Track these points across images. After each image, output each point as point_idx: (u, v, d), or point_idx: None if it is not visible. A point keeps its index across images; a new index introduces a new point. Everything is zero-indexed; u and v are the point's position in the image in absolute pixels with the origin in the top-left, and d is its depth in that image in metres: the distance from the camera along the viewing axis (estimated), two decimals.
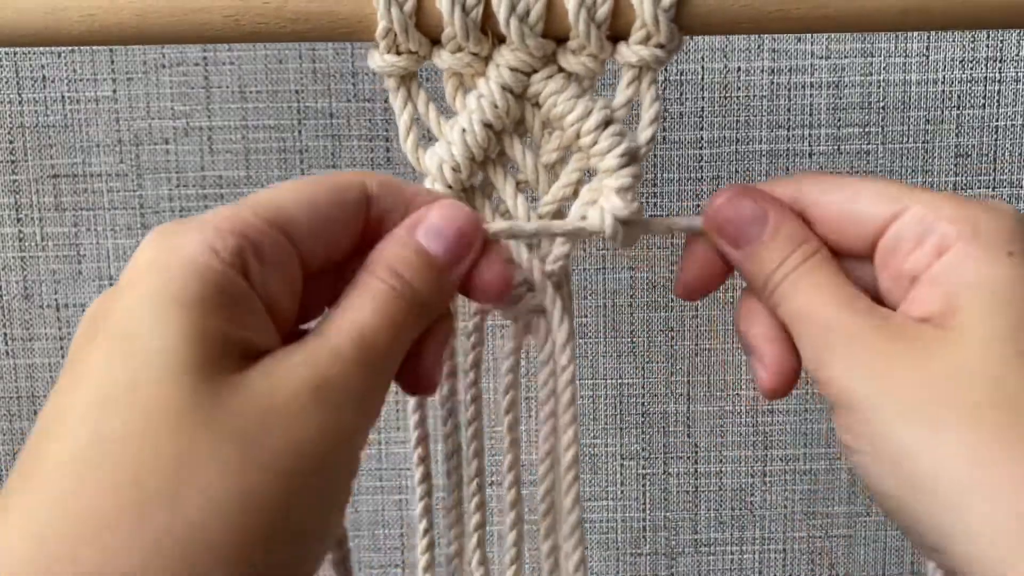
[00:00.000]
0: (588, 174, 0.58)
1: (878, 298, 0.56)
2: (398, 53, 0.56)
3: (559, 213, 0.59)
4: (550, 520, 0.60)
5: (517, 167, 0.59)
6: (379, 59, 0.56)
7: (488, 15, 0.54)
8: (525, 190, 0.59)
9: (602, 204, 0.57)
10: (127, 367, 0.46)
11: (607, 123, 0.56)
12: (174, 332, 0.46)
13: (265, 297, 0.50)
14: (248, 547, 0.45)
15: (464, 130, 0.56)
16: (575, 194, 0.59)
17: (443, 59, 0.56)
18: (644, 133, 0.57)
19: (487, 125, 0.56)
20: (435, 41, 0.56)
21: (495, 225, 0.57)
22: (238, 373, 0.47)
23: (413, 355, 0.55)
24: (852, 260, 0.57)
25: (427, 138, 0.58)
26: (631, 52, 0.56)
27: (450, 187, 0.57)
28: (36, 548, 0.43)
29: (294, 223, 0.52)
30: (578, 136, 0.56)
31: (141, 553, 0.43)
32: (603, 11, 0.54)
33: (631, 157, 0.56)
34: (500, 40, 0.56)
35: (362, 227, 0.54)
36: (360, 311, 0.51)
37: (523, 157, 0.58)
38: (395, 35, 0.54)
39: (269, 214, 0.51)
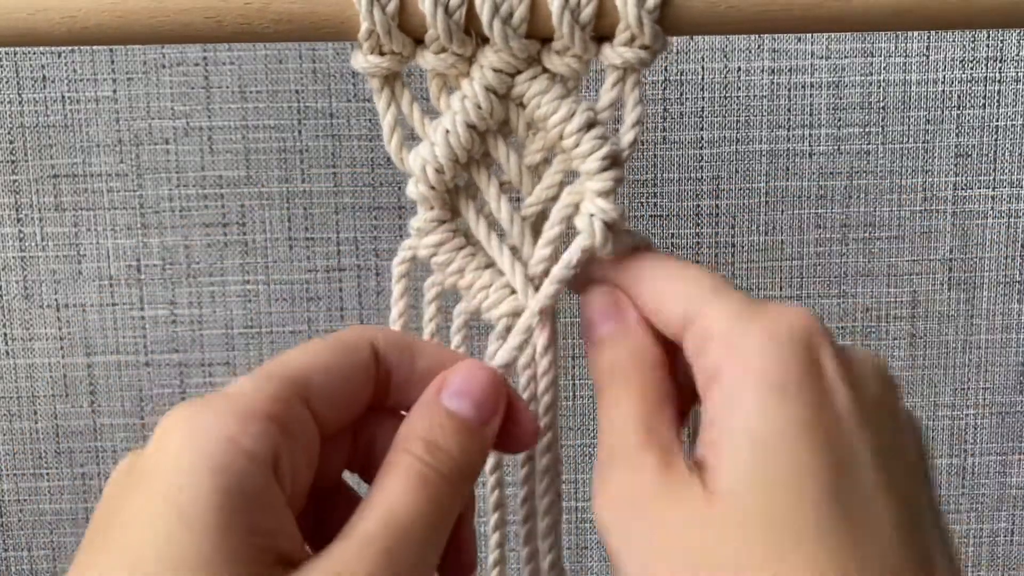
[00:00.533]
0: (571, 176, 0.58)
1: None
2: (381, 54, 0.55)
3: (542, 215, 0.58)
4: (531, 523, 0.60)
5: (501, 168, 0.58)
6: (362, 60, 0.56)
7: (471, 16, 0.54)
8: (509, 191, 0.59)
9: (589, 209, 0.56)
10: None
11: (590, 125, 0.56)
12: (191, 557, 0.44)
13: (288, 478, 0.48)
14: None
15: (448, 131, 0.56)
16: (557, 196, 0.58)
17: (427, 60, 0.56)
18: (627, 136, 0.57)
19: (471, 126, 0.56)
20: (419, 41, 0.56)
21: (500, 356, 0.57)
22: None
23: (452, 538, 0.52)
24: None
25: (413, 139, 0.58)
26: (615, 54, 0.55)
27: (433, 188, 0.57)
28: None
29: (314, 392, 0.50)
30: (561, 137, 0.56)
31: None
32: (587, 12, 0.54)
33: (613, 160, 0.56)
34: (484, 41, 0.55)
35: (373, 385, 0.53)
36: (390, 492, 0.48)
37: (507, 158, 0.58)
38: (378, 36, 0.54)
39: (294, 386, 0.49)
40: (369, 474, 0.54)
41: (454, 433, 0.51)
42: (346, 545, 0.46)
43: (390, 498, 0.48)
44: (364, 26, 0.54)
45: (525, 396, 0.59)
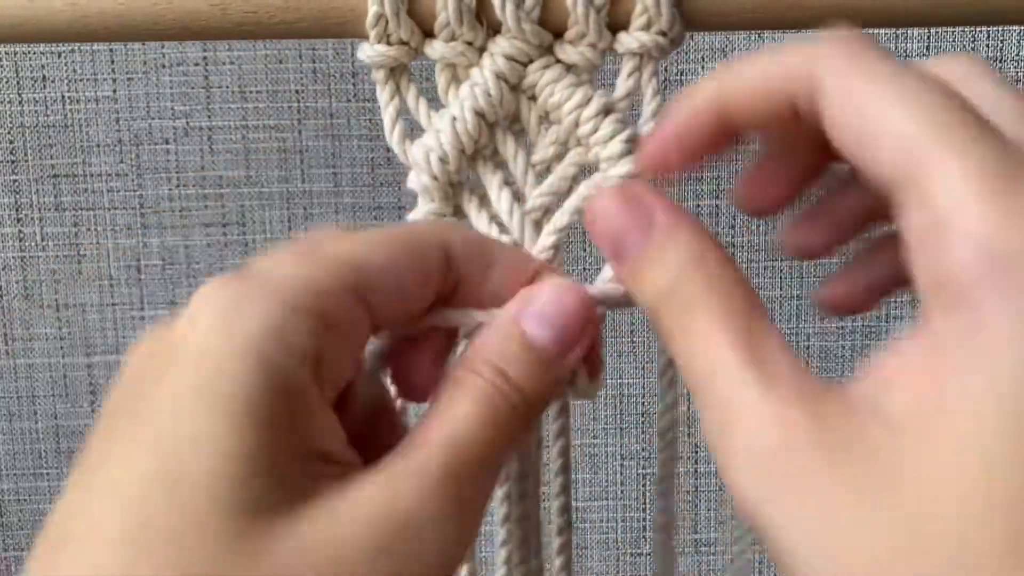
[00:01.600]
0: (585, 172, 0.58)
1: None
2: (389, 43, 0.55)
3: (546, 213, 0.57)
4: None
5: (508, 167, 0.58)
6: (369, 49, 0.55)
7: (483, 2, 0.54)
8: (513, 190, 0.58)
9: None
10: (161, 491, 0.39)
11: (608, 111, 0.56)
12: (221, 456, 0.39)
13: (329, 380, 0.43)
14: None
15: (455, 118, 0.56)
16: (569, 191, 0.58)
17: (435, 49, 0.55)
18: (647, 126, 0.56)
19: (479, 114, 0.56)
20: (428, 33, 0.55)
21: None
22: (297, 508, 0.39)
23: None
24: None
25: (413, 134, 0.58)
26: (632, 39, 0.55)
27: (435, 178, 0.56)
28: None
29: (373, 288, 0.44)
30: (577, 125, 0.55)
31: None
32: None
33: (636, 144, 0.55)
34: (495, 31, 0.55)
35: (439, 287, 0.47)
36: (457, 416, 0.43)
37: (514, 156, 0.57)
38: (386, 22, 0.54)
39: (348, 277, 0.43)
40: (409, 376, 0.49)
41: (529, 364, 0.45)
42: (406, 465, 0.42)
43: (456, 421, 0.43)
44: (372, 10, 0.53)
45: None
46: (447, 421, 0.43)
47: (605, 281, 0.52)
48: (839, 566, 0.35)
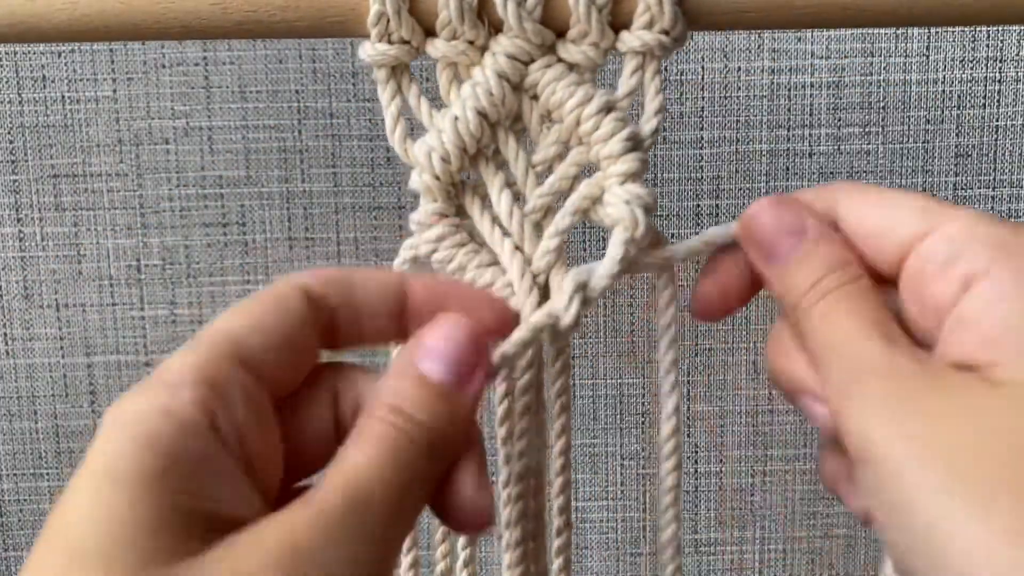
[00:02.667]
0: (586, 171, 0.57)
1: (904, 330, 0.50)
2: (390, 42, 0.55)
3: (547, 214, 0.57)
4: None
5: (509, 168, 0.57)
6: (370, 48, 0.55)
7: (485, 2, 0.54)
8: (514, 191, 0.58)
9: (622, 196, 0.55)
10: (70, 559, 0.41)
11: (609, 109, 0.55)
12: (111, 521, 0.41)
13: (242, 445, 0.45)
14: None
15: (456, 117, 0.55)
16: (570, 191, 0.57)
17: (437, 48, 0.55)
18: (648, 124, 0.56)
19: (481, 113, 0.55)
20: (429, 32, 0.55)
21: (509, 343, 0.53)
22: (196, 558, 0.41)
23: (451, 492, 0.49)
24: (881, 285, 0.51)
25: (417, 135, 0.58)
26: (634, 37, 0.55)
27: (437, 178, 0.56)
28: None
29: (250, 352, 0.46)
30: (578, 123, 0.55)
31: None
32: None
33: (636, 143, 0.55)
34: (497, 29, 0.55)
35: (322, 334, 0.50)
36: (352, 458, 0.45)
37: (515, 156, 0.57)
38: (387, 21, 0.54)
39: (226, 350, 0.46)
40: None
41: (426, 398, 0.47)
42: (301, 511, 0.43)
43: (352, 464, 0.45)
44: (374, 9, 0.53)
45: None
46: (345, 466, 0.45)
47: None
48: (947, 469, 0.43)
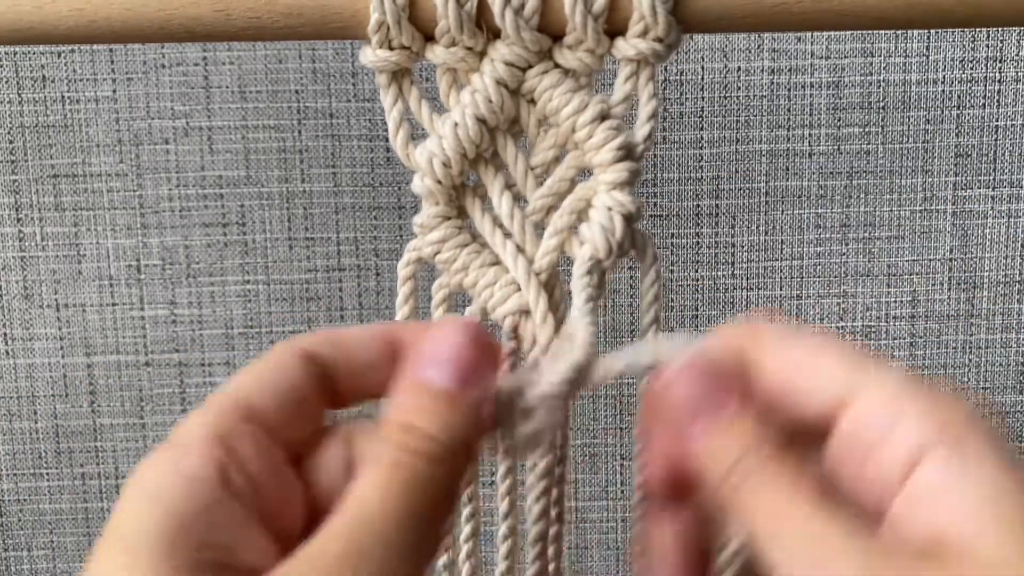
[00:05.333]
0: (583, 175, 0.58)
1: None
2: (390, 48, 0.55)
3: (548, 215, 0.58)
4: (540, 526, 0.60)
5: (508, 170, 0.58)
6: (371, 54, 0.55)
7: (483, 9, 0.54)
8: (514, 193, 0.58)
9: (605, 202, 0.56)
10: None
11: (603, 117, 0.56)
12: None
13: (255, 496, 0.46)
14: None
15: (457, 124, 0.56)
16: (568, 192, 0.58)
17: (436, 54, 0.55)
18: (641, 130, 0.57)
19: (480, 120, 0.56)
20: (429, 37, 0.56)
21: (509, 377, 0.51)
22: None
23: None
24: (804, 439, 0.47)
25: (418, 138, 0.58)
26: (629, 46, 0.55)
27: (439, 182, 0.57)
28: None
29: (257, 411, 0.47)
30: (573, 130, 0.56)
31: None
32: (600, 3, 0.54)
33: (627, 152, 0.56)
34: (495, 35, 0.55)
35: (324, 391, 0.49)
36: (359, 485, 0.44)
37: (514, 160, 0.57)
38: (387, 28, 0.54)
39: (233, 408, 0.47)
40: None
41: (433, 407, 0.46)
42: (311, 546, 0.43)
43: (358, 492, 0.44)
44: (374, 17, 0.54)
45: None
46: (352, 495, 0.44)
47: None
48: None
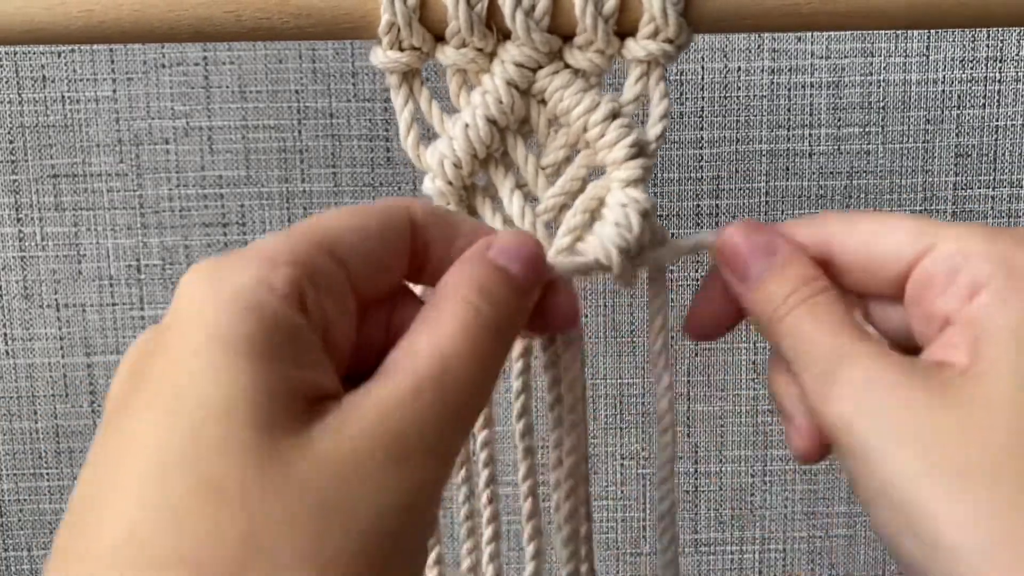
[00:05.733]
0: (594, 174, 0.58)
1: (910, 343, 0.53)
2: (401, 49, 0.55)
3: (559, 215, 0.58)
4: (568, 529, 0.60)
5: (519, 170, 0.58)
6: (381, 55, 0.55)
7: (493, 10, 0.54)
8: (525, 193, 0.58)
9: (620, 199, 0.56)
10: (183, 431, 0.41)
11: (615, 115, 0.56)
12: (232, 386, 0.42)
13: (322, 329, 0.46)
14: None
15: (467, 125, 0.56)
16: (579, 192, 0.58)
17: (447, 55, 0.55)
18: (654, 129, 0.57)
19: (491, 121, 0.56)
20: (439, 38, 0.56)
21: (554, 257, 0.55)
22: (305, 427, 0.43)
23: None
24: (882, 303, 0.54)
25: (428, 137, 0.58)
26: (639, 47, 0.55)
27: (450, 183, 0.57)
28: None
29: (346, 248, 0.47)
30: (585, 129, 0.56)
31: None
32: (610, 5, 0.54)
33: (640, 149, 0.56)
34: (505, 36, 0.55)
35: (409, 256, 0.51)
36: (440, 336, 0.47)
37: (525, 160, 0.58)
38: (398, 30, 0.54)
39: (320, 239, 0.47)
40: None
41: (504, 288, 0.49)
42: (397, 382, 0.45)
43: (442, 340, 0.46)
44: (385, 19, 0.54)
45: (550, 398, 0.58)
46: (434, 340, 0.46)
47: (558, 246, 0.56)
48: (926, 453, 0.46)
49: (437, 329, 0.47)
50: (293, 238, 0.47)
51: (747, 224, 0.55)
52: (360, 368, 0.49)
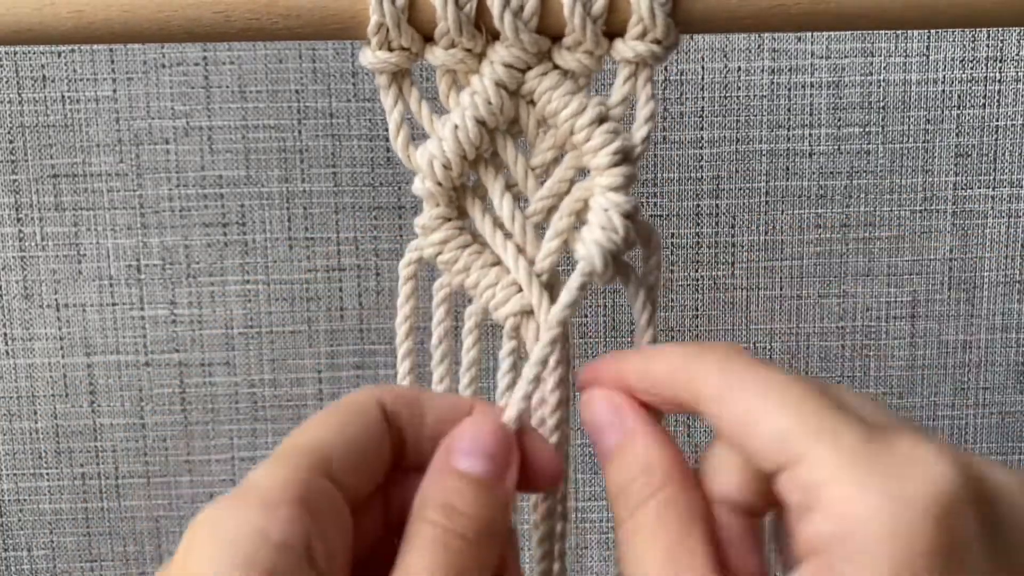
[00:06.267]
0: (582, 174, 0.58)
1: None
2: (390, 49, 0.55)
3: (548, 216, 0.58)
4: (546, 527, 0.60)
5: (508, 170, 0.58)
6: (371, 56, 0.55)
7: (482, 10, 0.54)
8: (515, 193, 0.58)
9: (602, 204, 0.56)
10: None
11: (601, 120, 0.56)
12: None
13: (325, 558, 0.46)
14: None
15: (456, 126, 0.56)
16: (568, 193, 0.58)
17: (436, 56, 0.55)
18: (639, 132, 0.57)
19: (480, 122, 0.56)
20: (428, 38, 0.56)
21: (511, 409, 0.54)
22: None
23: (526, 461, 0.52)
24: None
25: (418, 137, 0.58)
26: (627, 48, 0.55)
27: (440, 184, 0.57)
28: None
29: (338, 465, 0.48)
30: (572, 133, 0.56)
31: None
32: (599, 5, 0.54)
33: (624, 155, 0.56)
34: (494, 36, 0.55)
35: (398, 452, 0.51)
36: (410, 565, 0.47)
37: (514, 160, 0.58)
38: (387, 30, 0.54)
39: (315, 463, 0.48)
40: None
41: (470, 493, 0.49)
42: None
43: (410, 571, 0.47)
44: (373, 19, 0.54)
45: (536, 398, 0.58)
46: (405, 571, 0.47)
47: (517, 401, 0.54)
48: None
49: (405, 560, 0.47)
50: (289, 467, 0.47)
51: (608, 395, 0.53)
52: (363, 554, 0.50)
